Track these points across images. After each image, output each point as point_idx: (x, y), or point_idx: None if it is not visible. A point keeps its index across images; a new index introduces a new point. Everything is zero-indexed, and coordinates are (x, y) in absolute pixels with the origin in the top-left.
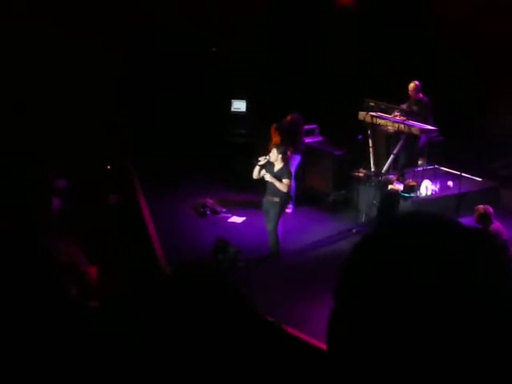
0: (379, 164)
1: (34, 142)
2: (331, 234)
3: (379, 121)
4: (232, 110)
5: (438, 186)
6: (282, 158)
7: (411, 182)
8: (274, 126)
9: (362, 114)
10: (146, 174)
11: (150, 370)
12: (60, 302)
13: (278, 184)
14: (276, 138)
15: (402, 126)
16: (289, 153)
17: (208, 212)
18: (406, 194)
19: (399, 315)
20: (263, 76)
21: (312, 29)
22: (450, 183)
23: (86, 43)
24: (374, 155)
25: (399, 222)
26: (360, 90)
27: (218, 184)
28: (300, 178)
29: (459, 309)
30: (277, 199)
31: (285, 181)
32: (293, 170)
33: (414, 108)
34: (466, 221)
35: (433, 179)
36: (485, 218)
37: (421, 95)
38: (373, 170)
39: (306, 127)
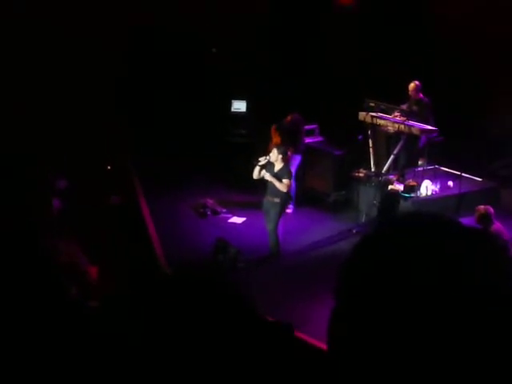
0: (379, 164)
1: (34, 142)
2: (331, 234)
3: (379, 121)
4: (232, 110)
5: (438, 186)
6: (283, 158)
7: (411, 182)
8: (274, 127)
9: (362, 115)
10: (146, 175)
11: (150, 369)
12: (60, 301)
13: (277, 184)
14: (276, 139)
15: (402, 126)
16: (289, 153)
17: (208, 212)
18: (407, 194)
19: (399, 315)
20: (263, 76)
21: (312, 29)
22: (450, 183)
23: (85, 43)
24: (374, 155)
25: (399, 222)
26: (360, 90)
27: (218, 184)
28: (300, 178)
29: (459, 309)
30: (277, 199)
31: (285, 181)
32: (293, 170)
33: (414, 108)
34: (467, 221)
35: (433, 179)
36: (485, 219)
37: (421, 95)
38: (373, 170)
39: (307, 127)
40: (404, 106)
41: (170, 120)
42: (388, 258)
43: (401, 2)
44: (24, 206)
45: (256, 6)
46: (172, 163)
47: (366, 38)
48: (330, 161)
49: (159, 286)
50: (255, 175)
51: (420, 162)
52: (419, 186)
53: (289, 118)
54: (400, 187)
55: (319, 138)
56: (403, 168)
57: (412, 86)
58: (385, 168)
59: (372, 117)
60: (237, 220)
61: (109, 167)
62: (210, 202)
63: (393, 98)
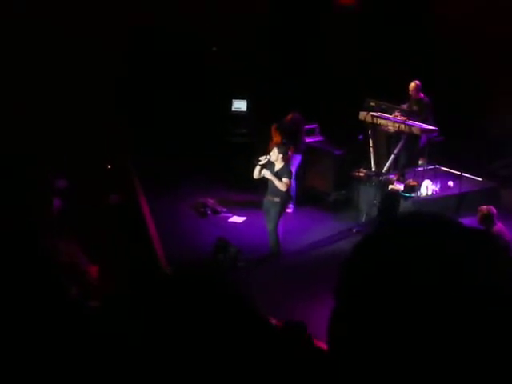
0: (380, 164)
1: (34, 142)
2: (332, 233)
3: (380, 121)
4: (233, 109)
5: (438, 186)
6: (283, 157)
7: (412, 182)
8: (274, 126)
9: (362, 114)
10: (146, 174)
11: (150, 369)
12: (60, 301)
13: (277, 183)
14: (276, 138)
15: (403, 125)
16: (289, 152)
17: (208, 212)
18: (407, 194)
19: (400, 315)
20: (263, 76)
21: (312, 29)
22: (451, 183)
23: (86, 43)
24: (374, 155)
25: (400, 222)
26: (360, 89)
27: (218, 184)
28: (301, 177)
29: (460, 309)
30: (277, 199)
31: (285, 180)
32: (293, 169)
33: (415, 108)
34: (467, 220)
35: (433, 179)
36: (488, 219)
37: (421, 95)
38: (373, 169)
39: (307, 127)
40: (404, 106)
41: (169, 120)
42: (388, 258)
43: (401, 2)
44: (24, 206)
45: (256, 6)
46: (172, 163)
47: (365, 37)
48: (331, 160)
49: (159, 285)
50: (255, 174)
51: (420, 162)
52: (419, 185)
53: (289, 116)
54: (400, 187)
55: (320, 138)
56: (403, 168)
57: (412, 85)
58: (385, 168)
59: (372, 116)
60: (237, 219)
61: (109, 167)
62: (210, 201)
63: (393, 98)
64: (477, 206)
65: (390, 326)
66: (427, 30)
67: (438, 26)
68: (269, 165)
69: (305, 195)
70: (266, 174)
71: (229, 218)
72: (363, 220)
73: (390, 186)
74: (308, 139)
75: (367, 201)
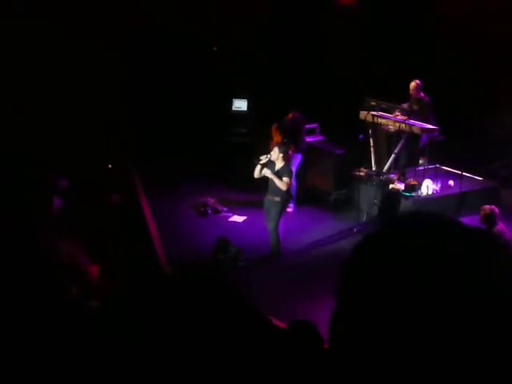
0: (380, 163)
1: (34, 142)
2: (332, 233)
3: (380, 120)
4: (233, 109)
5: (439, 186)
6: (283, 156)
7: (412, 182)
8: (274, 126)
9: (363, 114)
10: (146, 174)
11: (150, 369)
12: (60, 301)
13: (277, 182)
14: (277, 138)
15: (403, 125)
16: (290, 152)
17: (209, 211)
18: (407, 194)
19: (400, 315)
20: (263, 76)
21: (312, 29)
22: (451, 182)
23: (86, 43)
24: (375, 154)
25: (400, 222)
26: (360, 89)
27: (218, 183)
28: (301, 177)
29: (460, 309)
30: (278, 198)
31: (285, 179)
32: (294, 169)
33: (415, 107)
34: (467, 220)
35: (434, 178)
36: (490, 219)
37: (422, 94)
38: (374, 169)
39: (307, 126)
40: (405, 105)
41: (170, 120)
42: (389, 257)
43: (401, 2)
44: (24, 206)
45: (256, 6)
46: (172, 162)
47: (365, 37)
48: (331, 160)
49: (159, 285)
50: (256, 174)
51: (421, 161)
52: (420, 185)
53: (290, 116)
54: (401, 186)
55: (320, 137)
56: (404, 167)
57: (413, 85)
58: (386, 167)
59: (373, 116)
60: (237, 219)
61: (109, 166)
62: (210, 200)
63: (393, 98)
64: (477, 206)
65: (390, 325)
66: (427, 30)
67: (438, 25)
68: (269, 164)
69: (305, 195)
70: (267, 172)
71: (229, 217)
72: (364, 219)
73: (391, 186)
74: (308, 139)
75: (368, 200)
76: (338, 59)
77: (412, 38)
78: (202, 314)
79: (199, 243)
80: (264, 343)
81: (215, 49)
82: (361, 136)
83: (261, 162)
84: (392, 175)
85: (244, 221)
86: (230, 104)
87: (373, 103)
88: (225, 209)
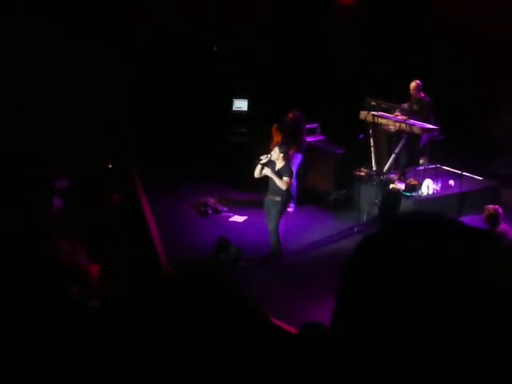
0: (381, 163)
1: (34, 142)
2: (332, 233)
3: (381, 120)
4: (233, 109)
5: (439, 185)
6: (284, 156)
7: (413, 181)
8: (275, 126)
9: (363, 114)
10: (146, 174)
11: (150, 369)
12: (60, 301)
13: (277, 181)
14: (277, 137)
15: (404, 125)
16: (290, 152)
17: (209, 211)
18: (408, 193)
19: (400, 315)
20: (263, 76)
21: (312, 29)
22: (452, 182)
23: (86, 43)
24: (375, 154)
25: (400, 222)
26: (360, 89)
27: (219, 183)
28: (302, 176)
29: (460, 309)
30: (278, 198)
31: (285, 179)
32: (294, 168)
33: (415, 107)
34: (468, 219)
35: (434, 178)
36: (494, 219)
37: (422, 94)
38: (374, 169)
39: (308, 126)
40: (405, 105)
41: (170, 120)
42: (389, 258)
43: (401, 2)
44: (24, 206)
45: (256, 6)
46: (173, 162)
47: (365, 37)
48: (332, 160)
49: (159, 285)
50: (256, 173)
51: (421, 161)
52: (420, 184)
53: (290, 115)
54: (401, 186)
55: (320, 137)
56: (404, 167)
57: (413, 84)
58: (386, 167)
59: (373, 116)
60: (238, 219)
61: (110, 166)
62: (210, 200)
63: (393, 98)
64: (478, 206)
65: (391, 325)
66: (427, 30)
67: (438, 25)
68: (270, 164)
69: (306, 194)
70: (267, 171)
71: (229, 217)
72: (364, 219)
73: (391, 186)
74: (309, 138)
75: (368, 200)
76: (338, 59)
77: (412, 37)
78: (202, 314)
79: (199, 243)
80: (264, 343)
81: (215, 49)
82: (361, 136)
83: (261, 162)
84: (392, 175)
85: (244, 221)
86: (230, 104)
87: (373, 103)
88: (225, 209)
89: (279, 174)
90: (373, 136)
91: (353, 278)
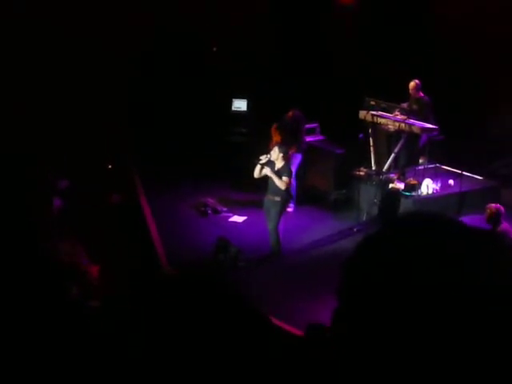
0: (380, 163)
1: (34, 142)
2: (332, 232)
3: (380, 120)
4: (233, 109)
5: (439, 185)
6: (283, 156)
7: (412, 181)
8: (274, 126)
9: (362, 113)
10: (146, 174)
11: (150, 369)
12: (60, 301)
13: (277, 180)
14: (277, 137)
15: (403, 124)
16: (290, 152)
17: (209, 211)
18: (407, 193)
19: (400, 315)
20: (263, 76)
21: (312, 29)
22: (451, 182)
23: (85, 44)
24: (374, 154)
25: (400, 223)
26: (360, 89)
27: (218, 183)
28: (301, 176)
29: (460, 308)
30: (278, 198)
31: (284, 178)
32: (294, 168)
33: (415, 107)
34: (467, 219)
35: (434, 178)
36: (495, 218)
37: (421, 94)
38: (374, 168)
39: (307, 126)
40: (404, 105)
41: (170, 120)
42: (389, 258)
43: (401, 2)
44: (24, 206)
45: (256, 6)
46: (172, 162)
47: (365, 37)
48: (331, 159)
49: (159, 285)
50: (256, 173)
51: (421, 161)
52: (420, 184)
53: (290, 113)
54: (401, 186)
55: (320, 137)
56: (404, 166)
57: (412, 84)
58: (385, 166)
59: (372, 115)
60: (237, 219)
61: (110, 166)
62: (210, 200)
63: (393, 98)
64: (477, 205)
65: (391, 325)
66: (427, 30)
67: (438, 25)
68: (269, 164)
69: (305, 194)
70: (267, 171)
71: (229, 217)
72: (364, 219)
73: (391, 185)
74: (308, 138)
75: (368, 200)
76: (338, 59)
77: (412, 37)
78: (202, 314)
79: (199, 243)
80: (264, 343)
81: (215, 49)
82: (361, 136)
83: (261, 162)
84: (392, 175)
85: (244, 221)
86: (230, 104)
87: (372, 103)
88: (225, 209)
89: (279, 173)
90: (372, 136)
91: (353, 277)
